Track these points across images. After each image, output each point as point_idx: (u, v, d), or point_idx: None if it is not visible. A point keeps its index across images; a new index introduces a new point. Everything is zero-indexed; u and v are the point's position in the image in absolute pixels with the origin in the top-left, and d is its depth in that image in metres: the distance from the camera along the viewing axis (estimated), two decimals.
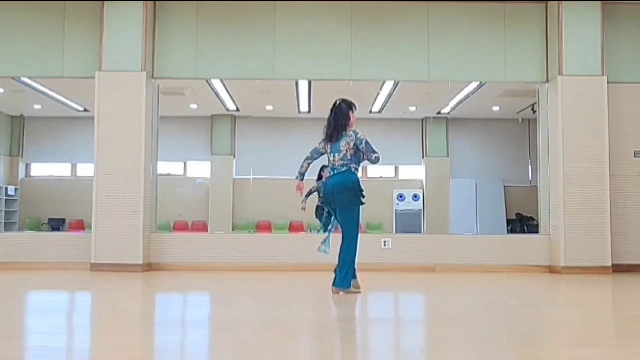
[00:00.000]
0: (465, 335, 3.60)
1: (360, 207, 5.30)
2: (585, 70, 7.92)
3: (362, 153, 5.24)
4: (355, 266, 5.33)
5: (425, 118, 13.66)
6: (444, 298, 5.59)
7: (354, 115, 5.38)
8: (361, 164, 5.38)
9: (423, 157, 13.85)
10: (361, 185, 5.26)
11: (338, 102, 5.38)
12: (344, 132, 5.26)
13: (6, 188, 12.76)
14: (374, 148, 5.24)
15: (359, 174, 5.32)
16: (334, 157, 5.27)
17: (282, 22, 8.19)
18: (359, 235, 5.33)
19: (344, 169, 5.24)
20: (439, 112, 13.05)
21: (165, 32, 8.16)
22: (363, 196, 5.25)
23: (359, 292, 5.31)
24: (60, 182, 13.49)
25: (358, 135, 5.24)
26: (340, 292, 5.24)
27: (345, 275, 5.23)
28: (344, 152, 5.23)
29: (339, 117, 5.29)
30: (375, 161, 5.24)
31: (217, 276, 7.21)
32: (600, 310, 4.88)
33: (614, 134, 8.00)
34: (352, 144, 5.22)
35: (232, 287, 6.29)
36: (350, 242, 5.27)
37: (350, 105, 5.37)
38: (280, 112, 12.99)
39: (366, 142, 5.20)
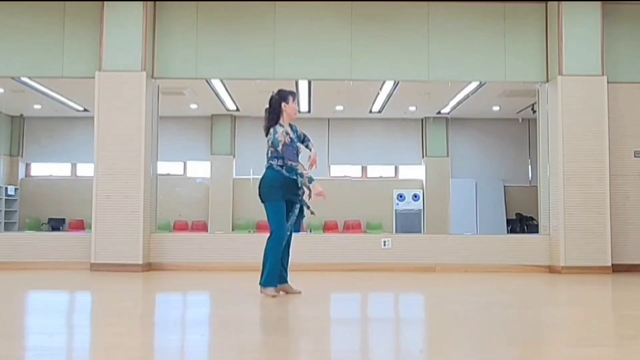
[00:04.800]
0: (465, 335, 3.60)
1: (273, 205, 4.98)
2: (585, 70, 7.92)
3: (294, 148, 5.01)
4: (272, 270, 4.98)
5: (425, 118, 13.66)
6: (444, 298, 5.59)
7: (290, 106, 5.07)
8: (285, 160, 4.97)
9: (423, 157, 13.85)
10: (271, 181, 4.97)
11: (272, 94, 5.15)
12: (272, 127, 5.06)
13: (6, 188, 12.75)
14: (277, 148, 4.96)
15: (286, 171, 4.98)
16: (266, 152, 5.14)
17: (282, 22, 8.20)
18: (277, 235, 4.97)
19: (267, 164, 5.07)
20: (439, 112, 13.05)
21: (165, 32, 8.16)
22: (266, 193, 4.97)
23: (273, 296, 5.00)
24: (60, 182, 13.49)
25: (273, 130, 5.00)
26: (264, 292, 5.02)
27: (266, 275, 5.00)
28: (267, 147, 5.07)
29: (268, 111, 5.12)
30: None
31: (217, 276, 7.21)
32: (600, 310, 4.88)
33: (614, 134, 8.01)
34: (269, 142, 5.04)
35: (232, 287, 6.29)
36: (268, 240, 5.05)
37: (283, 97, 5.09)
38: None
39: (272, 142, 4.99)
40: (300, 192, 5.10)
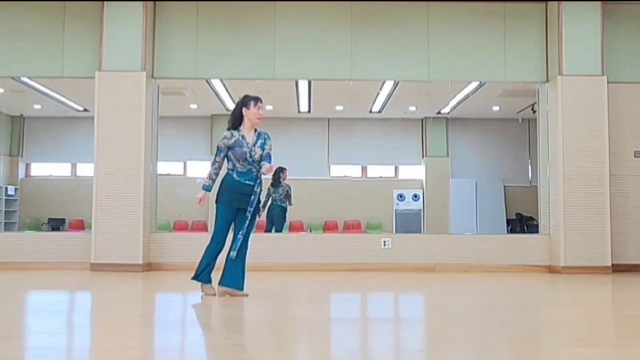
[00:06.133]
0: (465, 335, 3.60)
1: (219, 207, 5.10)
2: (585, 70, 7.92)
3: (241, 153, 5.04)
4: (206, 268, 5.14)
5: (425, 118, 13.66)
6: (444, 298, 5.59)
7: (250, 111, 5.07)
8: (234, 163, 5.04)
9: (423, 157, 13.85)
10: (222, 184, 5.07)
11: (239, 99, 5.21)
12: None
13: (6, 188, 12.75)
14: (215, 158, 5.08)
15: (236, 175, 5.03)
16: None
17: (282, 22, 8.19)
18: (215, 238, 5.09)
19: None
20: (439, 112, 13.05)
21: (165, 32, 8.16)
22: (217, 195, 5.10)
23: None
24: (60, 182, 13.49)
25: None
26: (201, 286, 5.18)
27: (198, 270, 5.16)
28: None
29: (232, 115, 5.16)
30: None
31: (216, 276, 7.19)
32: (600, 310, 4.88)
33: (614, 134, 8.00)
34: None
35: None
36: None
37: (245, 102, 5.10)
38: (280, 112, 12.99)
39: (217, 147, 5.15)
40: (252, 199, 5.05)
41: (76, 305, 5.30)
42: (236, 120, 5.13)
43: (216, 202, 5.12)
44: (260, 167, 5.06)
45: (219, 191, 5.10)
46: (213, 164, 5.11)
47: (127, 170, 7.69)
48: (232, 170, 5.07)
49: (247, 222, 5.05)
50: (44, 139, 13.48)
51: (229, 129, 5.15)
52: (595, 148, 7.82)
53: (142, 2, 7.84)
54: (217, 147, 5.11)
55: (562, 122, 7.85)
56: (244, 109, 5.12)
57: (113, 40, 7.83)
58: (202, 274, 5.14)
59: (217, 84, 9.79)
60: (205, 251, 5.15)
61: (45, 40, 8.08)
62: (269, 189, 9.82)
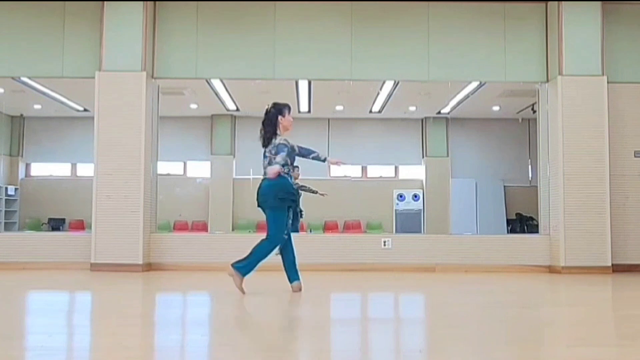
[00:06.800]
0: (465, 335, 3.60)
1: (280, 214, 5.17)
2: (585, 70, 7.92)
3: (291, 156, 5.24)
4: (254, 265, 5.18)
5: (425, 118, 13.66)
6: (444, 298, 5.59)
7: (286, 118, 5.28)
8: (289, 167, 5.21)
9: (423, 157, 13.85)
10: (284, 188, 5.14)
11: (268, 107, 5.32)
12: (272, 139, 5.25)
13: (6, 188, 12.75)
14: (282, 156, 5.10)
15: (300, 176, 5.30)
16: (263, 162, 5.29)
17: (282, 22, 8.19)
18: (275, 239, 5.20)
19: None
20: (439, 112, 13.05)
21: (165, 32, 8.16)
22: (284, 199, 5.14)
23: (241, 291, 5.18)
24: (60, 182, 13.49)
25: (275, 142, 5.20)
26: (232, 272, 5.17)
27: (247, 264, 5.16)
28: (269, 158, 5.21)
29: (265, 124, 5.28)
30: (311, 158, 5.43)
31: (217, 276, 7.20)
32: (600, 310, 4.88)
33: (614, 134, 8.01)
34: (273, 152, 5.19)
35: (232, 287, 6.27)
36: (264, 240, 5.23)
37: (279, 110, 5.28)
38: None
39: (278, 150, 5.14)
40: (298, 199, 5.37)
41: (76, 305, 5.30)
42: (275, 128, 5.25)
43: (275, 208, 5.14)
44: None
45: (279, 196, 5.11)
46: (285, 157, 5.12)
47: (127, 170, 7.70)
48: (287, 174, 5.19)
49: (292, 220, 5.32)
50: (44, 139, 13.48)
51: (266, 137, 5.23)
52: (595, 148, 7.82)
53: (142, 2, 7.84)
54: (291, 147, 5.18)
55: (562, 122, 7.85)
56: (279, 117, 5.25)
57: (113, 40, 7.83)
58: (247, 268, 5.13)
59: (217, 84, 9.79)
60: (260, 247, 5.16)
61: (45, 40, 8.08)
62: None
